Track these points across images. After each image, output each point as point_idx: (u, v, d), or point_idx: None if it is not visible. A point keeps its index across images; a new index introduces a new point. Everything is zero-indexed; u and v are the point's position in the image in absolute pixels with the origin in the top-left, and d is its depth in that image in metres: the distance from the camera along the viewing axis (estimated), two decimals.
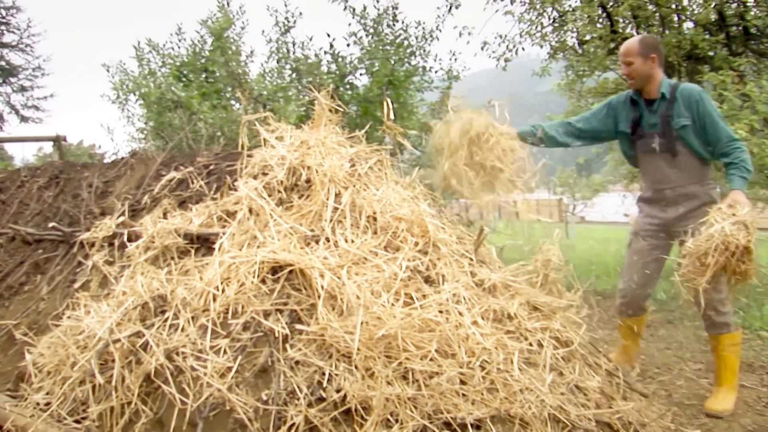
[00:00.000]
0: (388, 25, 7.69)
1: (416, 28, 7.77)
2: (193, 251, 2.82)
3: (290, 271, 2.39)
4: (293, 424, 1.93)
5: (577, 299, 2.78)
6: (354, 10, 7.68)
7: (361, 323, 2.10)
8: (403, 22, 7.73)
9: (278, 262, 2.40)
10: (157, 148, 6.03)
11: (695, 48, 6.72)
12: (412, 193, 2.99)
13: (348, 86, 7.74)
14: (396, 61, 7.55)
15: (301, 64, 7.73)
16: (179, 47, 8.01)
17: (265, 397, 2.03)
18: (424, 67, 7.91)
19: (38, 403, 2.31)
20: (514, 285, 2.72)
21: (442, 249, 2.65)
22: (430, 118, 7.63)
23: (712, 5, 6.72)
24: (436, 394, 2.00)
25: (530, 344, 2.38)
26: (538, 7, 7.88)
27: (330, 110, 3.20)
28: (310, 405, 1.98)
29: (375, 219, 2.68)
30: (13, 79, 15.47)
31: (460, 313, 2.33)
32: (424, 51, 7.83)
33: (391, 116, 3.19)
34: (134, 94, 7.68)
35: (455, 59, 8.07)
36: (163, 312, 2.40)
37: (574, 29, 7.74)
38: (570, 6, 7.81)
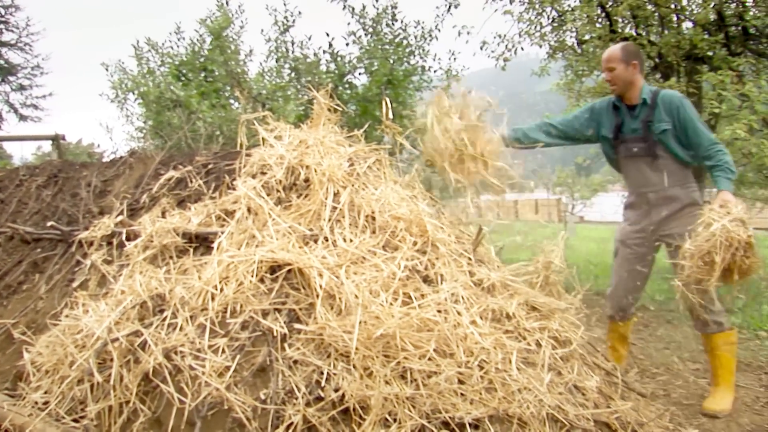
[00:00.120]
0: (387, 25, 7.69)
1: (415, 27, 7.78)
2: (191, 250, 2.81)
3: (289, 271, 2.39)
4: (291, 424, 1.93)
5: (576, 302, 2.78)
6: (353, 9, 7.69)
7: (360, 323, 2.10)
8: (402, 22, 7.73)
9: (277, 261, 2.40)
10: (156, 147, 6.03)
11: (694, 48, 6.72)
12: (410, 192, 2.99)
13: (347, 85, 7.74)
14: (395, 60, 7.55)
15: (300, 63, 7.73)
16: (178, 46, 8.02)
17: (263, 397, 2.03)
18: (423, 67, 7.92)
19: (36, 402, 2.31)
20: (513, 285, 2.72)
21: (440, 248, 2.65)
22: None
23: (711, 5, 6.72)
24: (435, 394, 2.00)
25: (528, 344, 2.38)
26: (537, 6, 7.88)
27: (329, 109, 3.20)
28: (308, 404, 1.98)
29: (374, 218, 2.68)
30: (11, 78, 15.47)
31: (459, 313, 2.33)
32: (423, 50, 7.83)
33: (390, 115, 3.19)
34: (133, 93, 7.68)
35: (454, 59, 8.09)
36: (162, 311, 2.40)
37: (573, 29, 7.73)
38: (569, 6, 7.81)
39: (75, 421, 2.19)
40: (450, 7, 8.06)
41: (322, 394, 2.00)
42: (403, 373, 2.06)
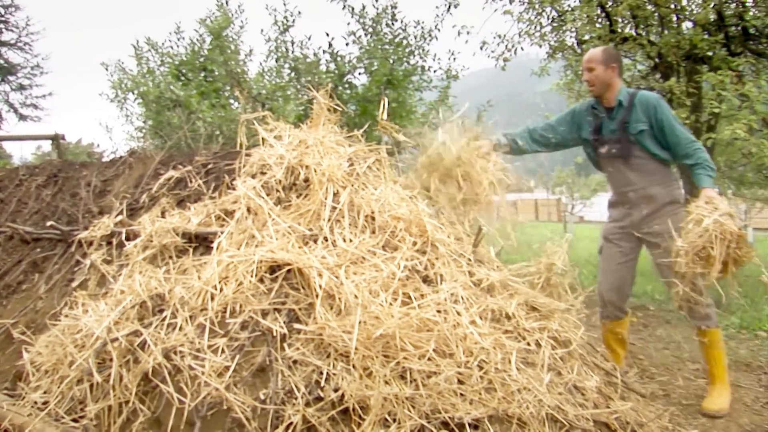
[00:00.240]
0: (387, 25, 7.68)
1: (415, 27, 7.77)
2: (191, 250, 2.81)
3: (288, 271, 2.39)
4: (291, 424, 1.93)
5: (577, 303, 2.78)
6: (353, 9, 7.68)
7: (359, 323, 2.10)
8: (402, 22, 7.72)
9: (276, 261, 2.40)
10: (156, 147, 6.02)
11: (694, 48, 6.71)
12: (410, 192, 2.99)
13: (347, 85, 7.73)
14: (395, 60, 7.54)
15: (299, 63, 7.72)
16: (178, 46, 8.01)
17: (262, 397, 2.03)
18: (422, 67, 7.91)
19: (36, 402, 2.31)
20: (513, 285, 2.72)
21: (440, 249, 2.65)
22: (429, 117, 7.62)
23: (711, 5, 6.71)
24: (434, 394, 2.00)
25: (528, 344, 2.38)
26: (537, 6, 7.87)
27: (329, 109, 3.20)
28: (307, 404, 1.98)
29: (373, 218, 2.68)
30: (11, 78, 15.46)
31: (458, 313, 2.33)
32: (423, 50, 7.82)
33: (384, 116, 3.19)
34: (133, 93, 7.67)
35: (454, 59, 8.07)
36: (161, 311, 2.40)
37: (573, 29, 7.72)
38: (569, 6, 7.80)
39: (74, 420, 2.20)
40: (450, 7, 8.05)
41: (322, 394, 2.00)
42: (403, 373, 2.06)
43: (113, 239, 3.22)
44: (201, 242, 2.84)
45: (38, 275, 3.53)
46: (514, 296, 2.62)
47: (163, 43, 8.01)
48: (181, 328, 2.27)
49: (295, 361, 2.11)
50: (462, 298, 2.42)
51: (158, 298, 2.47)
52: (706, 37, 6.76)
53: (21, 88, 15.60)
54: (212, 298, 2.31)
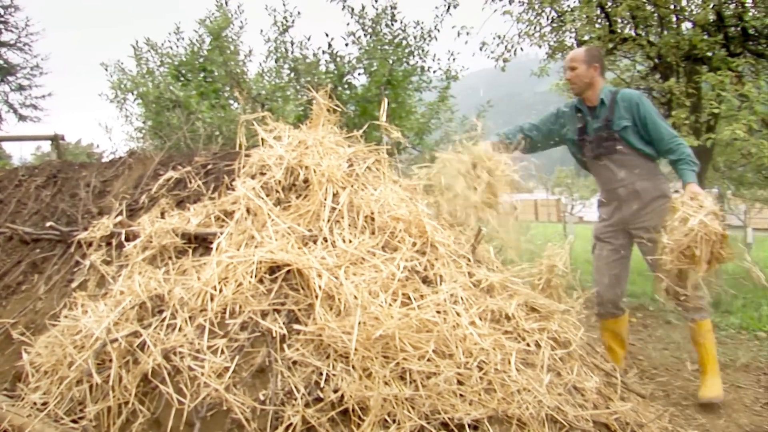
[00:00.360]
0: (387, 25, 7.67)
1: (415, 27, 7.74)
2: (190, 251, 2.81)
3: (288, 271, 2.39)
4: (290, 425, 1.93)
5: (577, 305, 2.79)
6: (352, 9, 7.66)
7: (359, 323, 2.10)
8: (401, 22, 7.70)
9: (276, 262, 2.40)
10: (155, 147, 6.01)
11: (694, 48, 6.71)
12: (410, 193, 2.99)
13: (346, 86, 7.72)
14: (394, 60, 7.53)
15: (299, 63, 7.71)
16: (177, 47, 7.99)
17: (262, 397, 2.03)
18: (422, 67, 7.89)
19: (35, 403, 2.31)
20: (512, 286, 2.72)
21: (439, 249, 2.65)
22: (428, 118, 7.62)
23: (711, 6, 6.71)
24: (434, 395, 2.00)
25: (528, 345, 2.38)
26: (536, 7, 7.88)
27: (328, 110, 3.20)
28: (307, 405, 1.98)
29: (373, 219, 2.68)
30: (11, 78, 15.45)
31: (458, 314, 2.33)
32: (423, 51, 7.80)
33: (383, 117, 3.19)
34: (132, 94, 7.66)
35: (454, 59, 8.05)
36: (161, 312, 2.40)
37: (573, 29, 7.72)
38: (568, 6, 7.80)
39: (74, 421, 2.19)
40: (449, 7, 8.04)
41: (321, 395, 2.00)
42: (403, 374, 2.06)
43: (113, 240, 3.22)
44: (200, 243, 2.84)
45: (38, 276, 3.53)
46: (514, 297, 2.62)
47: (162, 44, 8.00)
48: (180, 329, 2.27)
49: (294, 362, 2.11)
50: (461, 299, 2.42)
51: (158, 299, 2.47)
52: (705, 37, 6.77)
53: (20, 88, 15.58)
54: (212, 299, 2.31)
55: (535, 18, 8.04)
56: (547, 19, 8.04)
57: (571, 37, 7.94)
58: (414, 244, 2.61)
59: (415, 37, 7.74)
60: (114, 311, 2.44)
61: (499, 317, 2.47)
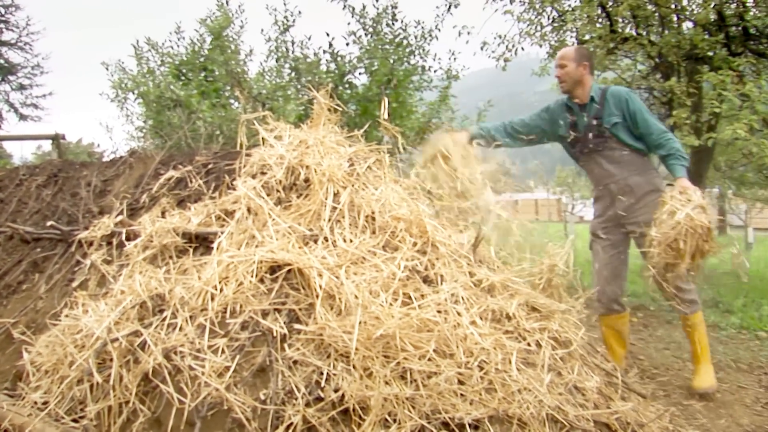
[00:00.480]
0: (388, 25, 7.66)
1: (415, 27, 7.74)
2: (191, 250, 2.81)
3: (288, 271, 2.39)
4: (291, 424, 1.93)
5: (578, 305, 2.79)
6: (353, 9, 7.66)
7: (360, 323, 2.10)
8: (402, 22, 7.70)
9: (277, 261, 2.40)
10: (156, 146, 6.01)
11: (694, 48, 6.71)
12: (411, 192, 2.99)
13: (347, 85, 7.71)
14: (395, 60, 7.53)
15: (300, 63, 7.71)
16: (178, 46, 7.99)
17: (263, 397, 2.03)
18: (423, 67, 7.88)
19: (36, 402, 2.31)
20: (513, 285, 2.71)
21: (440, 249, 2.65)
22: (429, 117, 7.61)
23: (712, 5, 6.70)
24: (434, 394, 2.00)
25: (528, 344, 2.38)
26: (537, 6, 7.87)
27: (329, 109, 3.20)
28: (308, 405, 1.98)
29: (373, 219, 2.68)
30: (12, 77, 15.45)
31: (459, 313, 2.32)
32: (424, 50, 7.80)
33: (385, 115, 3.20)
34: (133, 93, 7.66)
35: (454, 59, 8.05)
36: (162, 311, 2.40)
37: (574, 29, 7.71)
38: (569, 6, 7.80)
39: (74, 421, 2.19)
40: (450, 7, 8.04)
41: (322, 395, 2.00)
42: (403, 374, 2.06)
43: (113, 239, 3.22)
44: (201, 242, 2.84)
45: (38, 275, 3.53)
46: (515, 296, 2.62)
47: (163, 43, 8.00)
48: (181, 329, 2.27)
49: (295, 362, 2.11)
50: (462, 299, 2.42)
51: (158, 299, 2.47)
52: (706, 37, 6.76)
53: (21, 87, 15.59)
54: (212, 299, 2.31)
55: (536, 17, 8.03)
56: (548, 18, 8.03)
57: (572, 37, 7.93)
58: (415, 244, 2.61)
59: (416, 37, 7.74)
60: (115, 310, 2.44)
61: (500, 317, 2.47)
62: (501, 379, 2.12)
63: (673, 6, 7.22)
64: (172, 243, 2.85)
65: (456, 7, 8.04)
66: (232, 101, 7.74)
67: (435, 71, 8.04)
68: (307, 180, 2.83)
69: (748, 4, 6.93)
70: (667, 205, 3.12)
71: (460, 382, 2.08)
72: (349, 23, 7.72)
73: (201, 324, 2.26)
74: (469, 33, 8.26)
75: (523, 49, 8.25)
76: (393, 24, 7.66)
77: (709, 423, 3.20)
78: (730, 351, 4.55)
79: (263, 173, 2.93)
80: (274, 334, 2.19)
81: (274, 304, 2.29)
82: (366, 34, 7.70)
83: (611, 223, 3.65)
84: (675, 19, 7.35)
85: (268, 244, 2.50)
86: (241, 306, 2.29)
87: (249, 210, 2.75)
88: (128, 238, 3.08)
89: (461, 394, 2.04)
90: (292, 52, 7.90)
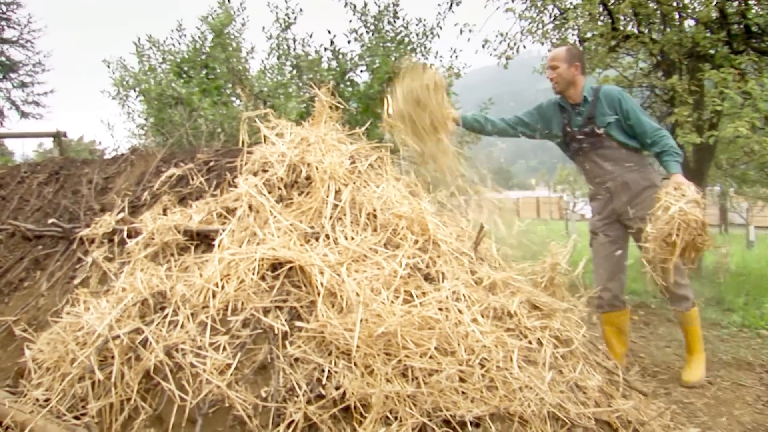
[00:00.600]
0: (389, 22, 7.67)
1: (417, 25, 7.75)
2: (192, 248, 2.81)
3: (290, 268, 2.39)
4: (292, 421, 1.93)
5: (580, 304, 2.79)
6: (355, 6, 7.67)
7: (361, 321, 2.10)
8: (403, 19, 7.71)
9: (278, 259, 2.40)
10: (157, 144, 6.02)
11: (696, 46, 6.69)
12: (412, 190, 2.99)
13: (348, 83, 7.72)
14: (397, 57, 7.53)
15: (301, 60, 7.71)
16: (180, 43, 7.99)
17: (264, 394, 2.03)
18: (424, 64, 7.88)
19: (37, 399, 2.31)
20: (515, 283, 2.71)
21: (442, 247, 2.65)
22: None
23: (714, 3, 6.68)
24: (436, 392, 2.00)
25: (530, 342, 2.38)
26: (539, 4, 7.85)
27: (330, 107, 3.20)
28: (309, 402, 1.98)
29: (375, 216, 2.68)
30: (13, 75, 15.43)
31: (460, 311, 2.33)
32: (425, 48, 7.81)
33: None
34: (134, 91, 7.66)
35: (456, 56, 8.06)
36: (163, 309, 2.40)
37: (575, 27, 7.70)
38: (571, 3, 7.78)
39: (76, 418, 2.20)
40: (452, 4, 8.03)
41: (323, 392, 2.00)
42: (404, 371, 2.06)
43: (115, 237, 3.22)
44: (202, 240, 2.84)
45: (40, 272, 3.53)
46: (516, 294, 2.62)
47: (164, 41, 8.00)
48: (182, 326, 2.27)
49: (296, 359, 2.11)
50: (464, 296, 2.42)
51: (160, 296, 2.47)
52: (708, 34, 6.74)
53: (23, 85, 15.57)
54: (214, 296, 2.31)
55: (537, 15, 8.01)
56: (550, 16, 8.01)
57: (573, 35, 7.91)
58: (416, 242, 2.61)
59: (417, 35, 7.75)
60: (116, 308, 2.45)
61: (502, 314, 2.47)
62: (502, 377, 2.13)
63: (674, 4, 7.20)
64: (174, 240, 2.85)
65: (458, 4, 8.03)
66: (233, 99, 7.74)
67: (437, 69, 8.03)
68: (308, 177, 2.83)
69: (750, 2, 6.91)
70: (662, 201, 3.14)
71: (462, 380, 2.08)
72: (350, 21, 7.73)
73: (202, 321, 2.26)
74: (470, 31, 8.23)
75: (524, 47, 8.22)
76: (394, 22, 7.67)
77: (710, 421, 3.20)
78: (731, 349, 4.55)
79: (265, 171, 2.93)
80: (276, 332, 2.19)
81: (275, 302, 2.30)
82: (367, 32, 7.71)
83: (609, 220, 3.67)
84: (677, 16, 7.33)
85: (269, 241, 2.50)
86: (242, 303, 2.29)
87: (250, 207, 2.75)
88: (130, 236, 3.09)
89: (462, 392, 2.04)
90: (294, 49, 7.90)
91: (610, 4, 7.20)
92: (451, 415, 1.95)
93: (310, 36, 7.90)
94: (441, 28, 7.85)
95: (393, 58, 7.45)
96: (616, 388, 2.56)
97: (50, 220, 3.84)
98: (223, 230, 2.68)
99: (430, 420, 1.94)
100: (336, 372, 2.04)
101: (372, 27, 7.68)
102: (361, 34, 7.72)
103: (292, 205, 2.76)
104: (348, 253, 2.45)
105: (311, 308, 2.27)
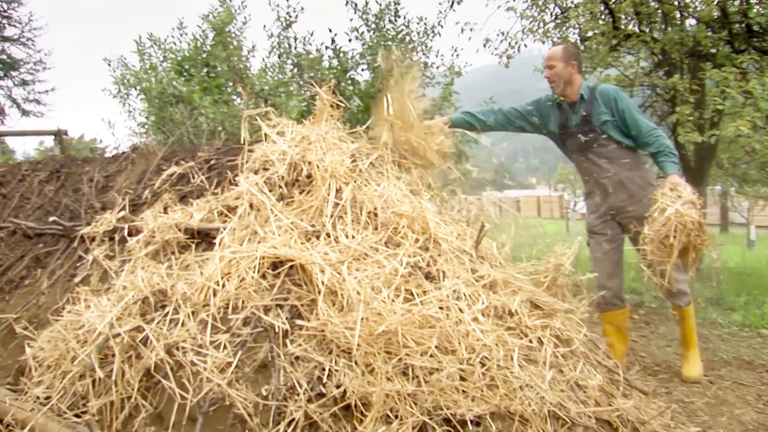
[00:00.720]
0: (390, 21, 7.66)
1: (418, 23, 7.74)
2: (193, 246, 2.81)
3: (291, 267, 2.39)
4: (293, 420, 1.93)
5: (582, 306, 2.79)
6: (356, 5, 7.66)
7: (362, 319, 2.10)
8: (404, 18, 7.70)
9: (279, 257, 2.40)
10: (158, 142, 6.02)
11: (698, 45, 6.69)
12: (413, 189, 2.99)
13: (349, 81, 7.71)
14: (385, 56, 7.51)
15: (302, 59, 7.71)
16: (181, 42, 7.99)
17: (264, 393, 2.03)
18: (425, 63, 7.88)
19: (38, 397, 2.31)
20: (516, 282, 2.71)
21: (442, 245, 2.64)
22: (431, 114, 7.59)
23: (715, 2, 6.68)
24: (436, 391, 2.00)
25: (530, 341, 2.38)
26: (540, 3, 7.84)
27: (331, 105, 3.20)
28: (309, 400, 1.98)
29: (376, 215, 2.68)
30: (14, 73, 15.42)
31: (461, 310, 2.32)
32: (426, 47, 7.80)
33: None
34: (135, 89, 7.66)
35: (457, 55, 8.05)
36: (164, 307, 2.40)
37: (577, 25, 7.70)
38: (572, 2, 7.77)
39: (77, 416, 2.20)
40: (453, 3, 8.02)
41: (324, 391, 2.00)
42: (405, 370, 2.06)
43: (115, 235, 3.22)
44: (203, 238, 2.84)
45: (41, 270, 3.54)
46: (518, 293, 2.61)
47: (165, 39, 8.00)
48: (183, 324, 2.27)
49: (297, 357, 2.11)
50: (464, 295, 2.42)
51: (160, 294, 2.47)
52: (709, 34, 6.73)
53: (24, 83, 15.56)
54: (214, 294, 2.31)
55: (538, 14, 8.00)
56: (551, 15, 8.01)
57: (574, 33, 7.91)
58: (417, 240, 2.61)
59: (418, 33, 7.74)
60: (117, 306, 2.45)
61: (502, 313, 2.47)
62: (503, 376, 2.13)
63: (676, 3, 7.19)
64: (174, 239, 2.85)
65: (459, 3, 8.02)
66: (234, 97, 7.74)
67: (437, 68, 8.03)
68: (309, 176, 2.83)
69: (751, 1, 6.90)
70: (658, 203, 3.15)
71: (462, 379, 2.08)
72: (351, 19, 7.72)
73: (203, 320, 2.26)
74: (471, 30, 8.22)
75: (525, 45, 8.22)
76: (395, 20, 7.66)
77: (711, 420, 3.20)
78: (732, 348, 4.55)
79: (265, 169, 2.93)
80: (276, 330, 2.19)
81: (276, 300, 2.30)
82: (368, 31, 7.70)
83: (606, 218, 3.69)
84: (678, 15, 7.33)
85: (270, 239, 2.50)
86: (243, 302, 2.29)
87: (251, 206, 2.75)
88: (130, 234, 3.09)
89: (463, 391, 2.04)
90: (295, 48, 7.90)
91: (611, 2, 7.20)
92: (451, 414, 1.95)
93: (311, 34, 7.90)
94: (442, 26, 7.85)
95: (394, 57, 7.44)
96: (616, 387, 2.56)
97: (51, 218, 3.84)
98: (224, 228, 2.68)
99: (430, 419, 1.94)
100: (336, 370, 2.05)
101: (373, 25, 7.68)
102: (362, 32, 7.71)
103: (293, 204, 2.76)
104: (349, 252, 2.45)
105: (312, 307, 2.27)
